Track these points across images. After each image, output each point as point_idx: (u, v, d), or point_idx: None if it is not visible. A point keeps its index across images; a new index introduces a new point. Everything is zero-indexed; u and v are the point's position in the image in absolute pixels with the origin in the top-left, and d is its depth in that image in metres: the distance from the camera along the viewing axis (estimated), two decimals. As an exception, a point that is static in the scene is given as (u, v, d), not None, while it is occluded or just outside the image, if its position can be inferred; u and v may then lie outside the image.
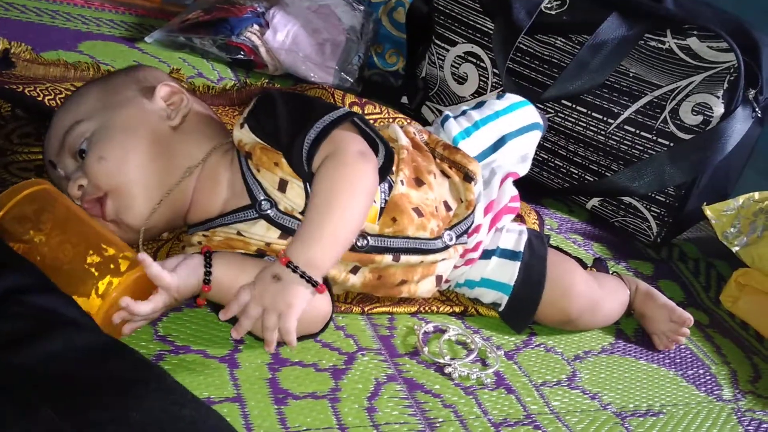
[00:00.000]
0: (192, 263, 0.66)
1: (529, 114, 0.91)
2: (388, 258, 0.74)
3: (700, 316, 1.01)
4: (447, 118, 0.87)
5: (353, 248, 0.72)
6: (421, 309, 0.82)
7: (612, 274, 0.95)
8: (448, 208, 0.78)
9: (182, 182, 0.72)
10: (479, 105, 0.90)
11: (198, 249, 0.72)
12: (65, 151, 0.70)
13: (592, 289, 0.85)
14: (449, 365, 0.76)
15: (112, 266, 0.63)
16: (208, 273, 0.66)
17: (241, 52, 1.29)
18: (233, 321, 0.67)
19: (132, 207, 0.69)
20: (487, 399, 0.74)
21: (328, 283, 0.72)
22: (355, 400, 0.68)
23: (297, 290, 0.64)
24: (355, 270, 0.74)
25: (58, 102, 0.88)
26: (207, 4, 1.37)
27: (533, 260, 0.82)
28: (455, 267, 0.81)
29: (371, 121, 0.79)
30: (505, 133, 0.87)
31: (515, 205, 0.86)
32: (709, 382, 0.87)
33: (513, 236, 0.84)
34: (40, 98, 0.88)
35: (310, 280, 0.64)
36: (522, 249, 0.82)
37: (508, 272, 0.82)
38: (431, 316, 0.82)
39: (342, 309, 0.78)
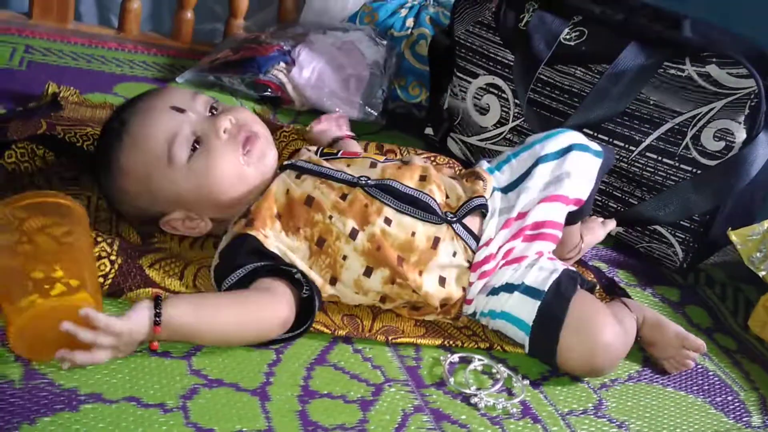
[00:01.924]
0: (141, 306, 0.68)
1: (569, 137, 0.89)
2: (383, 210, 0.80)
3: (728, 341, 1.00)
4: (481, 161, 0.94)
5: (357, 185, 0.81)
6: (446, 343, 0.83)
7: (614, 298, 0.94)
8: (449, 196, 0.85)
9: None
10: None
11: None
12: (199, 101, 0.82)
13: (620, 340, 0.82)
14: (475, 395, 0.77)
15: (45, 286, 0.64)
16: (157, 314, 0.67)
17: (269, 90, 1.33)
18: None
19: (268, 156, 0.83)
20: (514, 429, 0.75)
21: (315, 291, 0.77)
22: (383, 431, 0.70)
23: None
24: (354, 234, 0.78)
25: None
26: (235, 44, 1.42)
27: (555, 301, 0.79)
28: (470, 284, 0.82)
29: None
30: (538, 157, 0.87)
31: (553, 232, 0.85)
32: (738, 408, 0.86)
33: (543, 274, 0.82)
34: (78, 143, 0.92)
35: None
36: (546, 288, 0.80)
37: (527, 310, 0.80)
38: (457, 350, 0.84)
39: (366, 336, 0.81)
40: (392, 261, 0.79)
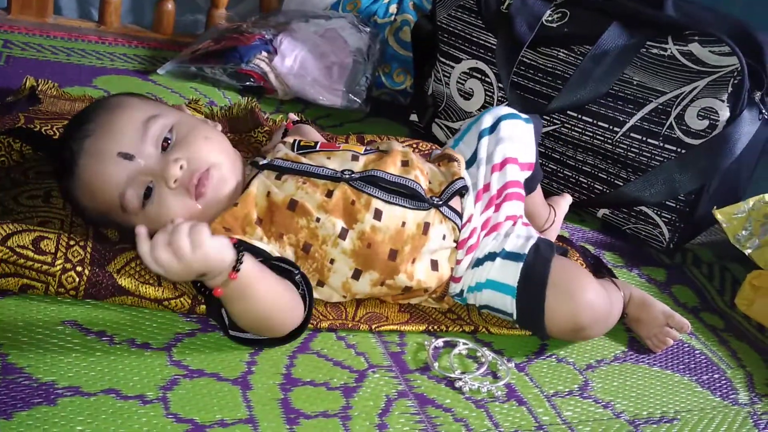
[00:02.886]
0: (226, 244, 0.67)
1: (498, 110, 0.92)
2: (372, 203, 0.78)
3: (716, 320, 1.00)
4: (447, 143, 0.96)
5: (341, 179, 0.79)
6: (431, 328, 0.83)
7: (604, 278, 0.95)
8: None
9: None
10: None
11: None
12: (148, 140, 0.76)
13: (603, 299, 0.84)
14: (460, 379, 0.77)
15: None
16: (240, 261, 0.66)
17: (251, 79, 1.31)
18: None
19: (228, 180, 0.78)
20: (499, 411, 0.74)
21: (308, 291, 0.75)
22: (367, 417, 0.69)
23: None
24: (343, 234, 0.77)
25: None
26: (216, 34, 1.40)
27: (536, 261, 0.82)
28: (458, 262, 0.83)
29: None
30: (479, 131, 0.91)
31: (515, 191, 0.88)
32: (725, 386, 0.86)
33: (520, 241, 0.85)
34: (56, 137, 0.91)
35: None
36: (526, 251, 0.83)
37: (511, 273, 0.82)
38: (441, 335, 0.83)
39: (349, 326, 0.80)
40: (383, 258, 0.79)
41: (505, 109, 0.92)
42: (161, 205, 0.76)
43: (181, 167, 0.75)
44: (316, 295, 0.80)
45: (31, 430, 0.60)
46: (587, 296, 0.81)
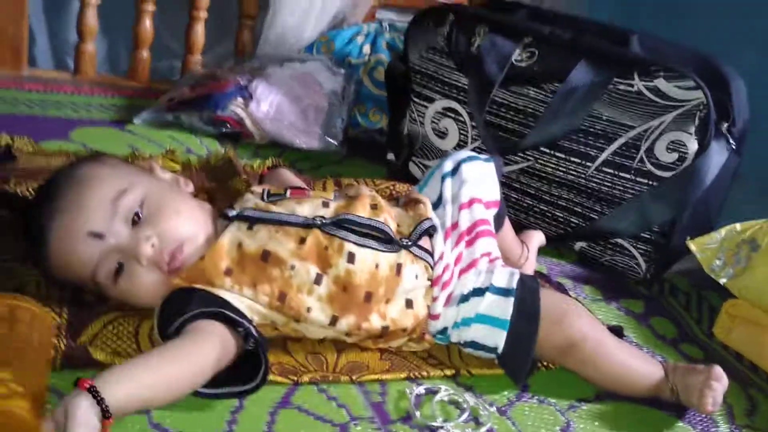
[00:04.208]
0: (78, 403, 0.60)
1: (458, 155, 0.95)
2: (345, 247, 0.79)
3: (695, 350, 1.01)
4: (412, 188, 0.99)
5: (313, 225, 0.80)
6: (411, 374, 0.83)
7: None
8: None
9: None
10: None
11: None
12: (117, 218, 0.76)
13: (592, 321, 0.87)
14: (442, 428, 0.77)
15: None
16: (101, 403, 0.61)
17: (228, 125, 1.33)
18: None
19: (201, 251, 0.78)
20: (482, 458, 0.75)
21: (262, 342, 0.74)
22: (349, 471, 0.69)
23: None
24: (318, 280, 0.78)
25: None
26: (192, 80, 1.42)
27: (525, 294, 0.85)
28: (434, 299, 0.84)
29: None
30: (442, 175, 0.94)
31: (486, 228, 0.90)
32: (705, 419, 0.87)
33: (505, 276, 0.86)
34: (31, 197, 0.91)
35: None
36: (514, 286, 0.85)
37: (503, 308, 0.84)
38: (422, 381, 0.84)
39: (330, 378, 0.80)
40: (359, 301, 0.80)
41: (464, 153, 0.96)
42: (133, 281, 0.77)
43: (152, 245, 0.76)
44: (294, 327, 0.80)
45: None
46: (575, 310, 0.87)
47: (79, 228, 0.76)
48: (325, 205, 0.85)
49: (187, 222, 0.79)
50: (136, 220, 0.77)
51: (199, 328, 0.72)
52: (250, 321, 0.76)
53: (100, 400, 0.61)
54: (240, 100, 1.34)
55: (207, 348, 0.71)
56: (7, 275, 0.81)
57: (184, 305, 0.74)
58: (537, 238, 1.11)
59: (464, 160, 0.94)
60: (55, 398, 0.70)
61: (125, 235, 0.76)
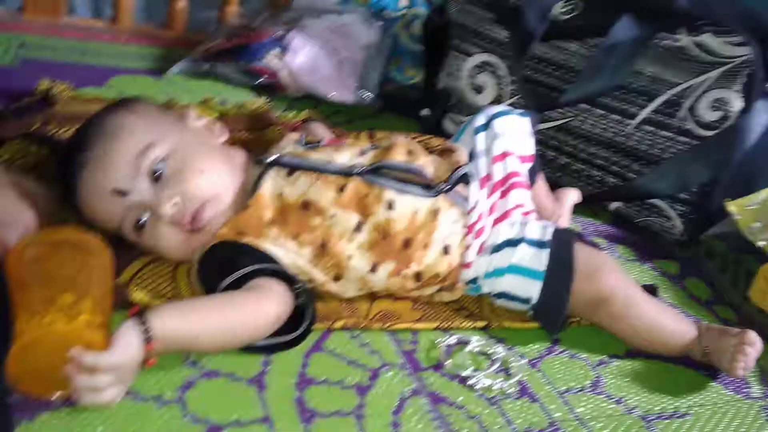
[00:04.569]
0: (125, 329, 0.63)
1: (491, 109, 0.95)
2: (384, 195, 0.80)
3: (729, 313, 1.00)
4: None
5: (352, 173, 0.80)
6: (443, 325, 0.84)
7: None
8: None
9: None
10: None
11: None
12: (141, 175, 0.76)
13: (624, 277, 0.86)
14: (472, 377, 0.77)
15: (72, 312, 0.61)
16: (146, 330, 0.63)
17: (263, 76, 1.32)
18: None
19: (225, 211, 0.78)
20: (511, 408, 0.75)
21: (311, 293, 0.76)
22: (380, 415, 0.70)
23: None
24: (359, 227, 0.79)
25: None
26: (228, 31, 1.41)
27: (560, 246, 0.85)
28: (467, 247, 0.84)
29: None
30: (474, 128, 0.94)
31: (520, 180, 0.90)
32: (738, 380, 0.86)
33: (539, 229, 0.86)
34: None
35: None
36: (549, 238, 0.85)
37: (537, 259, 0.84)
38: (454, 331, 0.84)
39: (362, 325, 0.81)
40: (398, 247, 0.80)
41: (497, 107, 0.96)
42: (156, 237, 0.78)
43: (175, 204, 0.77)
44: (332, 289, 0.81)
45: (52, 431, 0.61)
46: (609, 265, 0.86)
47: (103, 184, 0.77)
48: (362, 153, 0.85)
49: (211, 181, 0.78)
50: (159, 177, 0.77)
51: (258, 285, 0.73)
52: None
53: (144, 322, 0.63)
54: (276, 51, 1.33)
55: (268, 306, 0.72)
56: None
57: (236, 260, 0.74)
58: (572, 196, 1.10)
59: (497, 114, 0.94)
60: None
61: (148, 193, 0.77)
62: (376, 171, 0.82)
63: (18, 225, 0.74)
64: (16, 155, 0.90)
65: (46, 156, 0.92)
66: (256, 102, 1.19)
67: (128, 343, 0.62)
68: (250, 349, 0.73)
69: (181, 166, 0.77)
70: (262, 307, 0.72)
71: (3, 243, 0.71)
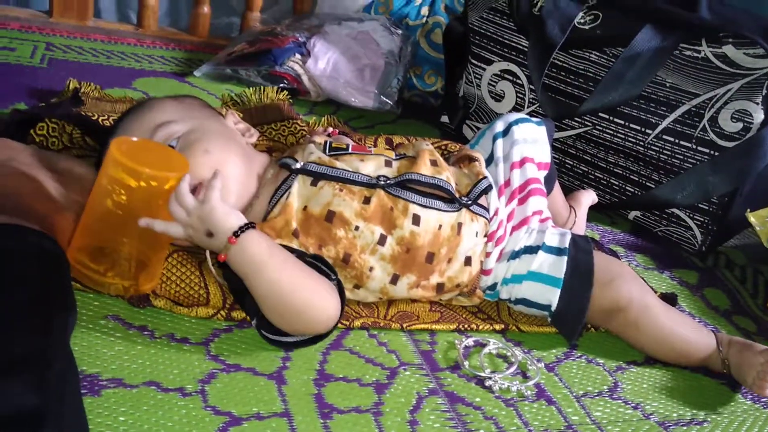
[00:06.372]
0: (235, 212, 0.71)
1: (510, 116, 0.96)
2: (410, 209, 0.79)
3: (748, 323, 1.00)
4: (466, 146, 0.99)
5: (377, 186, 0.80)
6: (461, 327, 0.84)
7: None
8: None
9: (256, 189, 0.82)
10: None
11: None
12: (157, 140, 0.78)
13: (641, 286, 0.87)
14: (490, 378, 0.78)
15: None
16: (241, 229, 0.70)
17: (285, 81, 1.34)
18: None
19: (228, 194, 0.77)
20: (528, 411, 0.75)
21: (341, 292, 0.76)
22: (398, 413, 0.71)
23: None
24: (382, 240, 0.79)
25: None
26: (251, 36, 1.43)
27: (579, 253, 0.85)
28: (487, 255, 0.85)
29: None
30: (494, 135, 0.94)
31: (538, 187, 0.91)
32: (757, 390, 0.86)
33: (557, 236, 0.87)
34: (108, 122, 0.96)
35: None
36: (567, 245, 0.86)
37: (556, 267, 0.84)
38: (472, 334, 0.84)
39: (381, 325, 0.81)
40: (421, 261, 0.80)
41: (515, 115, 0.96)
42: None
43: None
44: (350, 296, 0.81)
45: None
46: (626, 274, 0.86)
47: None
48: (388, 164, 0.84)
49: (212, 163, 0.77)
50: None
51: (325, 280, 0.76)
52: None
53: (248, 227, 0.70)
54: (298, 56, 1.35)
55: (332, 305, 0.74)
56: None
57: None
58: (586, 200, 1.10)
59: (516, 122, 0.94)
60: (118, 324, 0.73)
61: None
62: (402, 184, 0.81)
63: (74, 207, 0.76)
64: (53, 133, 0.92)
65: (78, 138, 0.94)
66: (275, 94, 1.18)
67: (226, 214, 0.70)
68: (276, 342, 0.74)
69: (189, 145, 0.78)
70: (329, 303, 0.73)
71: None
